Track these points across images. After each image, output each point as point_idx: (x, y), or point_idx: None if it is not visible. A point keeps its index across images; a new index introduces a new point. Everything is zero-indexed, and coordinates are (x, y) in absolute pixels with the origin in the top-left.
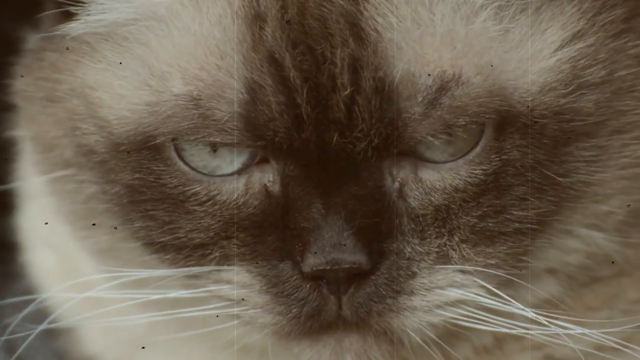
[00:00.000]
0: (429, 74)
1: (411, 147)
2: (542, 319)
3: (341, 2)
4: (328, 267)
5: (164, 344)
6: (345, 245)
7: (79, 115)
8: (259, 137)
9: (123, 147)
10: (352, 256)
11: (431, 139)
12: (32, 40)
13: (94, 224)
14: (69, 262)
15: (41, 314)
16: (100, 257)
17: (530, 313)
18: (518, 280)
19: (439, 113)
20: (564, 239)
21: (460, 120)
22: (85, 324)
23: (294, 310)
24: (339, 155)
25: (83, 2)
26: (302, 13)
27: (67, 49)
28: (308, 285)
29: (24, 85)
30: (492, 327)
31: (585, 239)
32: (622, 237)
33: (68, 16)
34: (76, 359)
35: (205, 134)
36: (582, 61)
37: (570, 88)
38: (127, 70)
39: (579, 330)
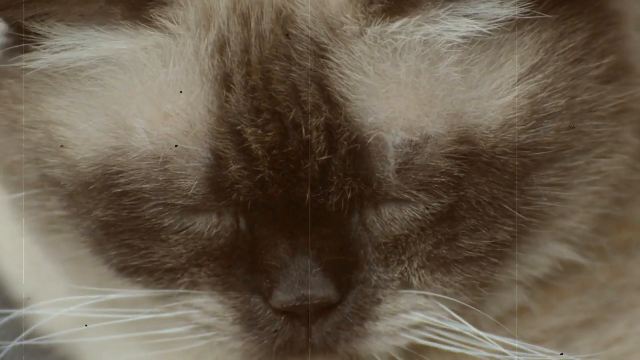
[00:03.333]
0: (399, 135)
1: None
2: (495, 344)
3: (309, 65)
4: (298, 304)
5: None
6: (314, 282)
7: (44, 148)
8: (223, 199)
9: (92, 186)
10: (322, 292)
11: (403, 195)
12: None
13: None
14: (42, 278)
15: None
16: (69, 272)
17: (494, 345)
18: (477, 310)
19: (412, 174)
20: (530, 256)
21: (436, 179)
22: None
23: (266, 341)
24: (311, 207)
25: (45, 38)
26: (268, 78)
27: (28, 81)
28: (282, 319)
29: None
30: (456, 348)
31: (552, 254)
32: (590, 246)
33: (29, 50)
34: None
35: (169, 197)
36: (541, 95)
37: (531, 124)
38: (92, 112)
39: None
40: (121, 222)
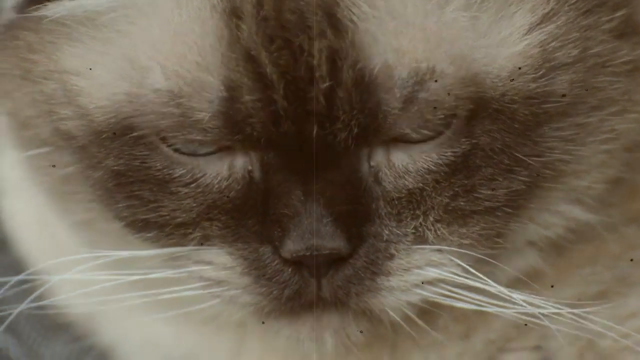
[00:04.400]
0: (405, 68)
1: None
2: (517, 299)
3: None
4: (308, 253)
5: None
6: (324, 231)
7: (56, 99)
8: (237, 132)
9: (105, 135)
10: (332, 242)
11: (410, 132)
12: (8, 16)
13: (73, 203)
14: (53, 238)
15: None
16: (80, 235)
17: (506, 292)
18: (493, 261)
19: (416, 108)
20: (543, 215)
21: (439, 114)
22: (70, 304)
23: (275, 292)
24: (319, 145)
25: None
26: (279, 8)
27: (44, 30)
28: (290, 269)
29: None
30: (471, 305)
31: (565, 214)
32: (602, 208)
33: None
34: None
35: (186, 132)
36: (552, 43)
37: (541, 72)
38: (107, 59)
39: (553, 309)
40: (131, 172)
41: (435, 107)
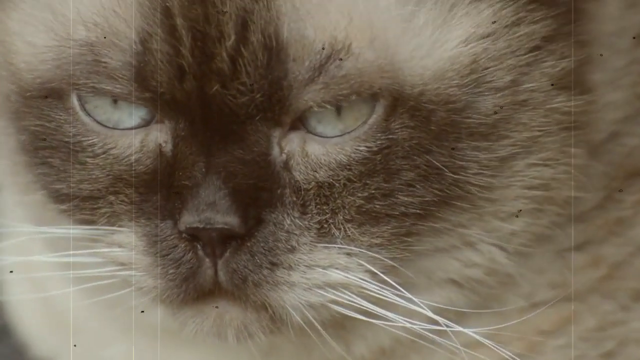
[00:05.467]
0: (320, 40)
1: (301, 119)
2: (440, 319)
3: None
4: (201, 226)
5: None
6: (220, 205)
7: (1, 63)
8: (145, 88)
9: (29, 94)
10: (225, 217)
11: (314, 105)
12: None
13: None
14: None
15: None
16: (25, 213)
17: (427, 312)
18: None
19: (323, 80)
20: (465, 250)
21: (344, 90)
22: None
23: (170, 271)
24: (222, 109)
25: None
26: None
27: None
28: (183, 245)
29: None
30: (379, 321)
31: (487, 255)
32: (522, 260)
33: None
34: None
35: (96, 80)
36: (485, 61)
37: (466, 81)
38: (36, 16)
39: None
40: (46, 135)
41: (342, 83)
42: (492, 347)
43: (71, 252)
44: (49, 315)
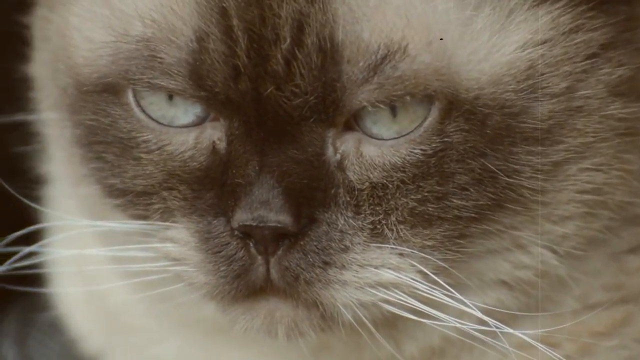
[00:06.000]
0: (376, 42)
1: (357, 120)
2: (490, 320)
3: None
4: (254, 224)
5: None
6: (273, 203)
7: (58, 56)
8: (201, 87)
9: (85, 88)
10: (278, 215)
11: (368, 105)
12: None
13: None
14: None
15: None
16: (78, 206)
17: (477, 312)
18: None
19: (378, 80)
20: (516, 252)
21: (398, 90)
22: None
23: (222, 268)
24: (276, 111)
25: None
26: None
27: None
28: (235, 243)
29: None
30: (430, 321)
31: (538, 257)
32: (574, 263)
33: None
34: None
35: (151, 75)
36: (541, 66)
37: (522, 86)
38: (95, 12)
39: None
40: (100, 131)
41: (396, 84)
42: (542, 349)
43: (125, 247)
44: (99, 310)
